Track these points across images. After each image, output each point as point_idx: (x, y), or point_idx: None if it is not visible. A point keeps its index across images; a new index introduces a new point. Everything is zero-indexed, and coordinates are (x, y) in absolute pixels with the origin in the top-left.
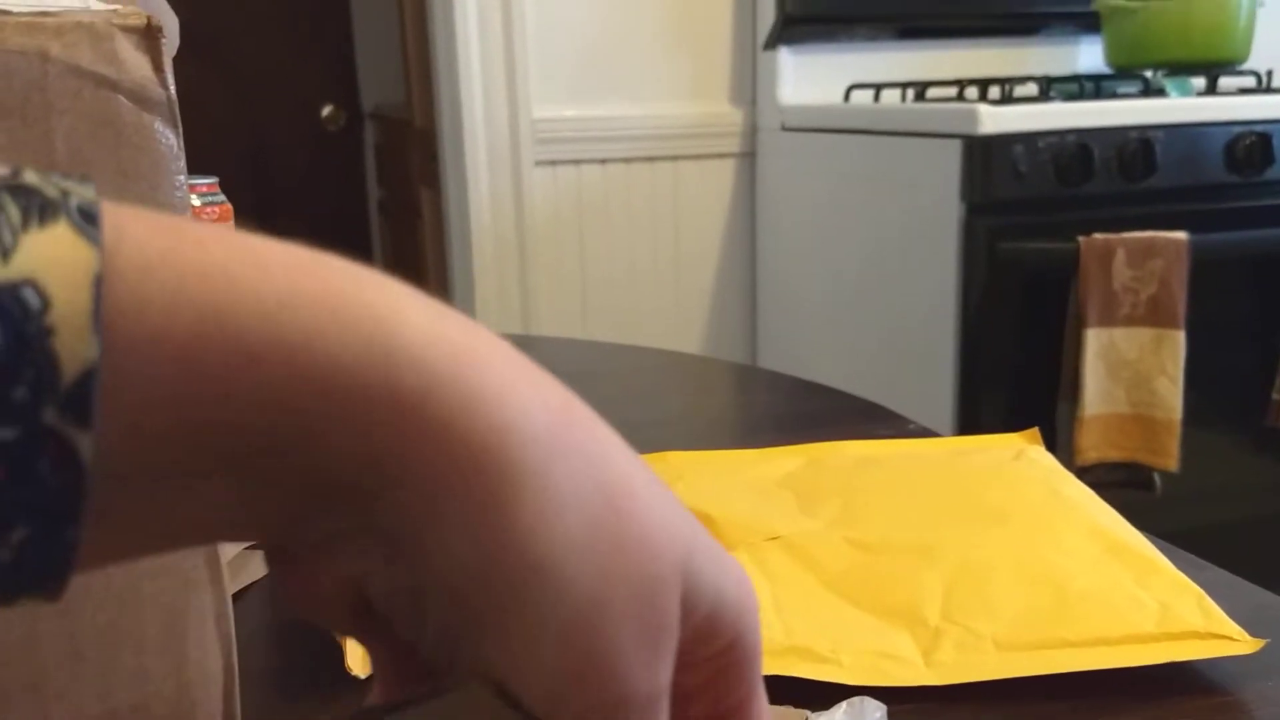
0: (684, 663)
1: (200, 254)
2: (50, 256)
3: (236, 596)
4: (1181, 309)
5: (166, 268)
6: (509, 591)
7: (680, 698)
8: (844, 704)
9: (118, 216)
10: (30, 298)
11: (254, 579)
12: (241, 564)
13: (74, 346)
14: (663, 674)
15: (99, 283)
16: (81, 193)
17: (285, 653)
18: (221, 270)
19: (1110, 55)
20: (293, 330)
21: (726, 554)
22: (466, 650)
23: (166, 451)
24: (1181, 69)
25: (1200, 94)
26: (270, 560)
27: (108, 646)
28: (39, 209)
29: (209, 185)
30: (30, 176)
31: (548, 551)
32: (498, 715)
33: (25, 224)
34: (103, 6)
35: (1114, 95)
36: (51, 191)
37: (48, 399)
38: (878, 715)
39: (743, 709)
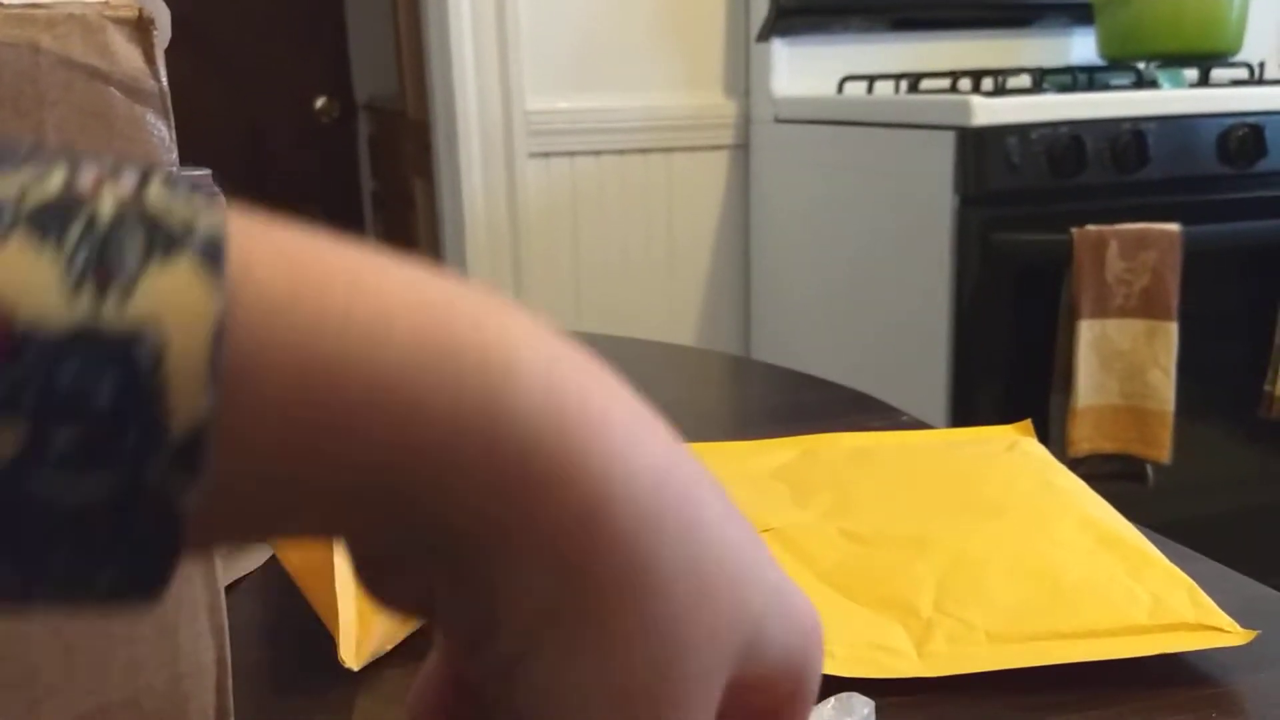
0: (744, 685)
1: (323, 300)
2: (169, 300)
3: (229, 589)
4: (1174, 300)
5: (288, 315)
6: (584, 635)
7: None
8: (832, 699)
9: (244, 249)
10: (146, 345)
11: (246, 571)
12: (234, 556)
13: (186, 400)
14: None
15: (218, 335)
16: (208, 222)
17: (278, 645)
18: (342, 321)
19: (1103, 47)
20: (407, 392)
21: (796, 598)
22: (520, 679)
23: (258, 495)
24: (1174, 61)
25: (1193, 86)
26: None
27: (99, 640)
28: (164, 242)
29: (202, 177)
30: (155, 195)
31: (627, 624)
32: None
33: (148, 258)
34: None
35: (1107, 87)
36: (178, 218)
37: (155, 450)
38: (865, 711)
39: None
